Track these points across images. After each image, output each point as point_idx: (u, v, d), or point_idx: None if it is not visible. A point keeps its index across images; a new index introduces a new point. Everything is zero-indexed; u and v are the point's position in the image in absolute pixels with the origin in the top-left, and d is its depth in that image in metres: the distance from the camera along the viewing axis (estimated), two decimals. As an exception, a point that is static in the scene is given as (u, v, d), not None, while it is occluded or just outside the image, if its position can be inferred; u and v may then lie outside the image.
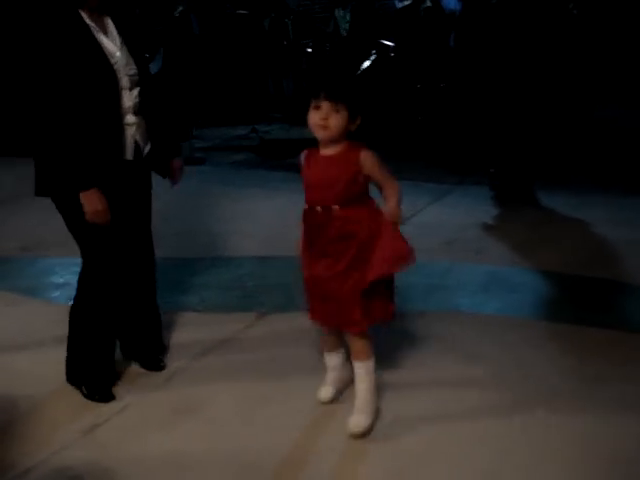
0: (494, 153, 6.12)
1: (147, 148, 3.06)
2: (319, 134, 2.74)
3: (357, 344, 2.85)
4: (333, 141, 2.75)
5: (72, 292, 4.02)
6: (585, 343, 3.48)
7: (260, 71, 9.92)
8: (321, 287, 2.85)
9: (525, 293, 4.11)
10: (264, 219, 5.49)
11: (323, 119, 2.70)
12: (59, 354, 3.21)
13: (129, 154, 2.99)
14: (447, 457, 2.67)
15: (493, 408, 2.94)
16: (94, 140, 2.84)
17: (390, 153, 7.77)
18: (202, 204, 5.81)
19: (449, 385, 3.12)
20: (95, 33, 2.86)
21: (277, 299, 4.03)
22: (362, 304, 2.78)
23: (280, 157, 7.91)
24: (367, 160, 2.76)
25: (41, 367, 3.10)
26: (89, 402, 3.04)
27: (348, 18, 9.06)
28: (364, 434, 2.77)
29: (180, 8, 8.59)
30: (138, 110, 2.98)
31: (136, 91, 2.96)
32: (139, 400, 3.06)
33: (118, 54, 2.90)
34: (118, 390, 3.11)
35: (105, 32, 2.91)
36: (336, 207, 2.76)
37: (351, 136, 2.79)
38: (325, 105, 2.69)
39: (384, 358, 3.32)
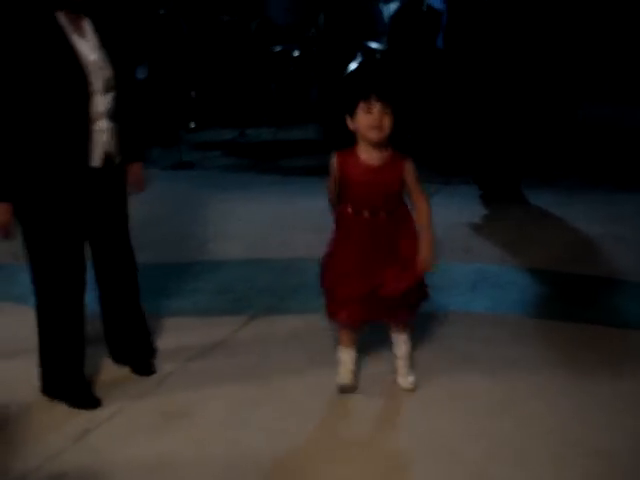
0: (481, 152, 6.14)
1: (120, 156, 2.97)
2: (374, 135, 2.78)
3: (400, 324, 3.09)
4: (381, 145, 2.81)
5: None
6: (574, 339, 3.50)
7: (248, 74, 9.92)
8: (373, 289, 2.90)
9: (514, 291, 4.13)
10: (253, 222, 5.49)
11: (379, 120, 2.74)
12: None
13: (96, 161, 2.88)
14: (438, 455, 2.68)
15: (483, 405, 2.96)
16: (53, 145, 2.76)
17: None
18: (191, 208, 5.81)
19: (440, 383, 3.13)
20: (69, 34, 2.77)
21: (267, 302, 4.03)
22: (410, 299, 2.98)
23: (269, 160, 7.92)
24: (410, 170, 2.88)
25: (32, 374, 3.09)
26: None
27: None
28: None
29: (163, 11, 8.56)
30: (111, 116, 2.88)
31: (110, 96, 2.87)
32: (130, 405, 3.05)
33: (93, 56, 2.81)
34: (109, 395, 3.10)
35: (81, 34, 2.82)
36: (383, 213, 2.86)
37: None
38: (377, 106, 2.74)
39: (375, 357, 3.35)
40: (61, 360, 3.05)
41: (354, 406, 3.02)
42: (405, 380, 3.11)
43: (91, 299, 3.19)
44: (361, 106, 2.76)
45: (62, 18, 2.78)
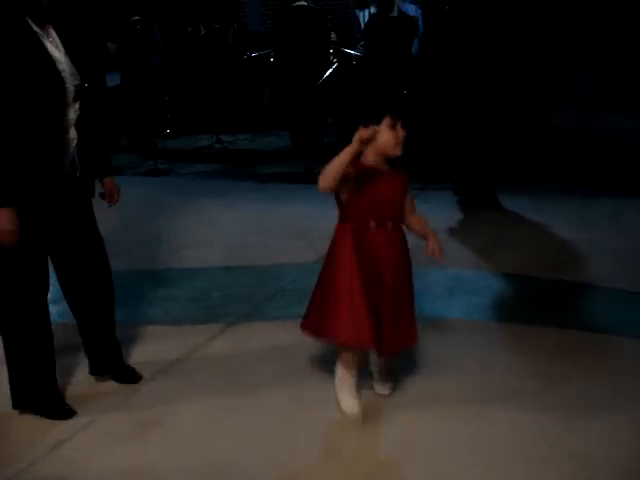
0: (456, 158, 6.17)
1: (80, 167, 2.91)
2: (396, 152, 2.77)
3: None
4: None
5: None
6: (549, 344, 3.52)
7: (224, 81, 9.91)
8: (385, 307, 2.83)
9: (489, 296, 4.15)
10: (228, 229, 5.48)
11: (402, 137, 2.75)
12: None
13: (67, 169, 2.86)
14: (415, 461, 2.68)
15: (460, 411, 2.97)
16: (35, 153, 2.72)
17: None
18: (166, 215, 5.78)
19: (415, 390, 3.14)
20: (42, 40, 2.74)
21: (242, 309, 4.02)
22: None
23: (245, 167, 7.91)
24: (407, 182, 2.91)
25: (4, 385, 3.05)
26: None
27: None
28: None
29: (135, 18, 8.52)
30: (77, 125, 2.85)
31: (78, 104, 2.83)
32: (104, 415, 3.02)
33: (64, 63, 2.78)
34: (83, 405, 3.07)
35: (51, 41, 2.79)
36: (390, 224, 2.84)
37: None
38: (400, 125, 2.75)
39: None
40: (30, 372, 3.00)
41: (332, 413, 3.00)
42: (382, 387, 3.10)
43: (66, 310, 3.16)
44: (386, 122, 2.72)
45: (33, 24, 2.74)
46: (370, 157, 2.79)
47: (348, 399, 2.96)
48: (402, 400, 3.06)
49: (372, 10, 8.69)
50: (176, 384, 3.25)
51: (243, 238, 5.26)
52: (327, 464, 2.70)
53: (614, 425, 2.85)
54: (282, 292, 4.25)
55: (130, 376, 3.28)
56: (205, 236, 5.29)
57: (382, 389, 3.10)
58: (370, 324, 2.75)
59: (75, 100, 2.82)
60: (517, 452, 2.71)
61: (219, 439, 2.85)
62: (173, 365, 3.43)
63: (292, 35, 7.92)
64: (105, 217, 3.16)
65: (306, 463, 2.70)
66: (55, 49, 2.79)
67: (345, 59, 8.60)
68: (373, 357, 3.08)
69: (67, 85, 2.77)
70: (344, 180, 2.73)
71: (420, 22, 8.43)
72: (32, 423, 2.99)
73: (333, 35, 8.70)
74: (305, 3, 7.99)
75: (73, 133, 2.85)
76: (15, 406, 3.03)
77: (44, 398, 3.03)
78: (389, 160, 2.81)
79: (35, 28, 2.74)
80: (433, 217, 5.47)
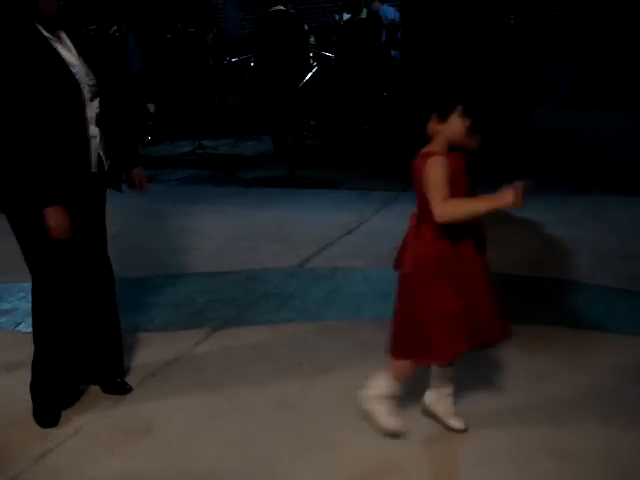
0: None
1: (109, 161, 3.02)
2: (469, 142, 2.68)
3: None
4: None
5: (19, 318, 4.01)
6: (533, 342, 3.54)
7: (205, 86, 9.91)
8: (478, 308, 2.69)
9: (473, 295, 4.16)
10: (212, 234, 5.47)
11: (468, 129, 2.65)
12: (7, 381, 3.15)
13: (94, 167, 2.96)
14: (397, 467, 2.69)
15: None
16: (60, 153, 2.81)
17: (334, 162, 7.92)
18: (149, 222, 5.77)
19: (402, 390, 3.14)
20: (54, 44, 2.84)
21: (227, 314, 4.01)
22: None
23: (227, 172, 7.90)
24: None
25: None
26: (41, 428, 2.98)
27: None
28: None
29: (115, 27, 8.51)
30: (98, 122, 2.95)
31: (97, 102, 2.93)
32: (91, 422, 3.01)
33: (77, 64, 2.88)
34: (69, 413, 3.06)
35: (62, 44, 2.89)
36: None
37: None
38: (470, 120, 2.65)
39: (333, 366, 3.35)
40: (48, 371, 3.02)
41: (319, 417, 3.00)
42: (456, 421, 2.87)
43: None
44: (458, 112, 2.62)
45: (43, 30, 2.84)
46: (442, 148, 2.65)
47: (388, 416, 2.78)
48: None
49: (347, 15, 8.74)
50: (162, 390, 3.24)
51: (227, 243, 5.25)
52: (314, 467, 2.69)
53: (600, 420, 2.87)
54: (266, 296, 4.25)
55: (119, 388, 3.25)
56: (189, 242, 5.28)
57: (457, 423, 2.86)
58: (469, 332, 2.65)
59: (93, 99, 2.92)
60: (503, 448, 2.72)
61: (205, 444, 2.84)
62: (159, 371, 3.41)
63: (271, 39, 7.93)
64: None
65: (292, 467, 2.69)
66: (67, 52, 2.89)
67: (325, 62, 8.63)
68: (441, 383, 2.89)
69: (82, 85, 2.87)
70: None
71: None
72: (19, 433, 2.96)
73: (312, 39, 8.73)
74: (283, 7, 8.01)
75: (94, 130, 2.94)
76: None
77: (42, 400, 3.03)
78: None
79: (46, 34, 2.85)
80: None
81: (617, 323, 3.74)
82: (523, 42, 7.12)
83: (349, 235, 5.34)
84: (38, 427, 2.99)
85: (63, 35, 2.91)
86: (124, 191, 3.17)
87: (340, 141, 8.62)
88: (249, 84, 9.57)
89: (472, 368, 3.28)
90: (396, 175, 6.91)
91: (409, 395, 2.93)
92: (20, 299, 4.23)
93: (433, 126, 2.68)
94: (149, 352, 3.59)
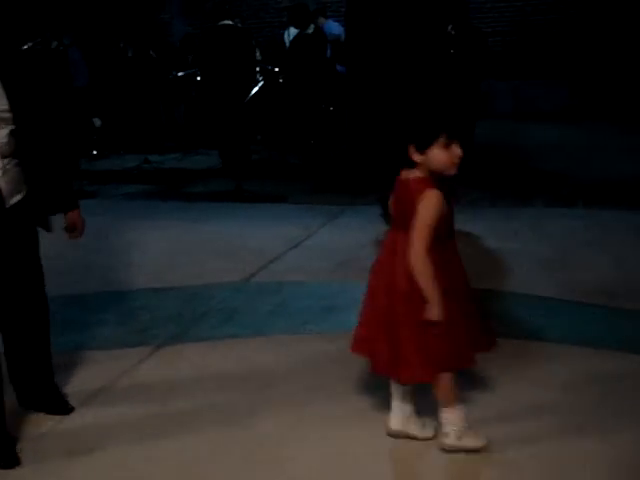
0: (383, 172, 6.25)
1: (17, 197, 2.80)
2: (453, 171, 2.65)
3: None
4: None
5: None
6: (475, 353, 3.58)
7: (151, 100, 9.85)
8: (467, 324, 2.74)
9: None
10: (156, 250, 5.43)
11: (459, 158, 2.63)
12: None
13: None
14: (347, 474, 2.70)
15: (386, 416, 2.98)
16: None
17: (281, 176, 7.94)
18: (92, 238, 5.60)
19: (350, 405, 3.15)
20: None
21: (172, 331, 3.98)
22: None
23: (173, 186, 7.86)
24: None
25: None
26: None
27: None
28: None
29: (56, 43, 8.42)
30: (8, 153, 2.72)
31: (6, 130, 2.71)
32: (32, 447, 2.94)
33: None
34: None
35: None
36: (448, 239, 2.73)
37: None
38: (455, 143, 2.62)
39: (280, 381, 3.35)
40: None
41: (266, 433, 2.99)
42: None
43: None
44: (441, 142, 2.60)
45: None
46: (429, 176, 2.66)
47: (475, 436, 2.78)
48: (337, 417, 3.07)
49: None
50: (105, 410, 3.19)
51: (171, 258, 5.22)
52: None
53: (540, 428, 2.92)
54: (211, 312, 4.23)
55: (61, 407, 3.17)
56: (132, 258, 5.23)
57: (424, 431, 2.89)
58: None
59: (0, 127, 2.70)
60: (444, 460, 2.75)
61: (148, 466, 2.81)
62: (102, 391, 3.37)
63: (217, 54, 7.94)
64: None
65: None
66: None
67: (271, 77, 8.66)
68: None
69: None
70: None
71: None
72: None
73: (258, 53, 8.76)
74: (231, 22, 8.02)
75: None
76: None
77: None
78: None
79: None
80: (361, 231, 5.62)
81: (556, 333, 3.81)
82: (465, 56, 7.25)
83: (295, 249, 5.35)
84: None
85: None
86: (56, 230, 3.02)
87: (286, 155, 8.65)
88: (195, 98, 9.55)
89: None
90: (342, 189, 6.98)
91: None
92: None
93: (412, 156, 2.65)
94: (92, 370, 3.54)
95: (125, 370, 3.55)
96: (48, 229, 3.00)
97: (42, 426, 3.09)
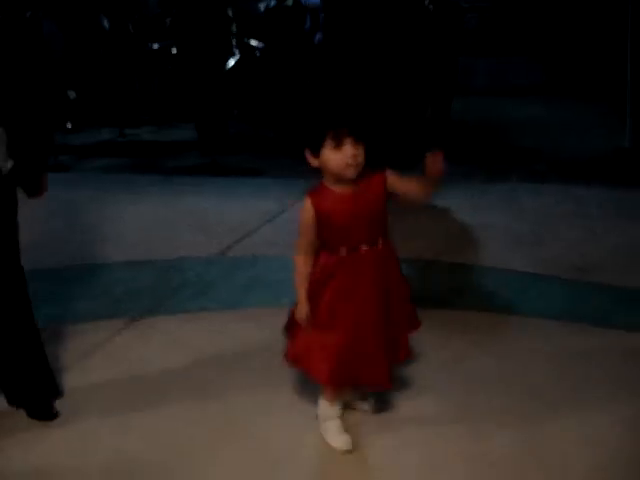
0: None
1: (9, 164, 2.78)
2: (349, 174, 2.48)
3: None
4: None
5: None
6: (448, 325, 3.62)
7: (126, 73, 9.74)
8: (367, 341, 2.61)
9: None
10: (133, 223, 5.41)
11: (353, 157, 2.46)
12: None
13: None
14: (316, 451, 2.73)
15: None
16: None
17: (258, 150, 7.91)
18: (67, 212, 5.65)
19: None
20: None
21: (146, 304, 3.98)
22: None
23: (149, 160, 7.81)
24: (391, 177, 2.59)
25: None
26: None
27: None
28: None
29: (29, 13, 8.29)
30: None
31: None
32: (4, 418, 2.93)
33: None
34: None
35: None
36: (380, 242, 2.60)
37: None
38: (349, 142, 2.46)
39: (255, 354, 3.37)
40: None
41: (238, 406, 3.01)
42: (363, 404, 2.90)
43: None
44: (329, 142, 2.46)
45: None
46: (330, 179, 2.54)
47: (337, 435, 2.70)
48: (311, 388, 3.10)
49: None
50: (78, 383, 3.19)
51: (146, 232, 5.20)
52: (233, 455, 2.70)
53: (512, 400, 2.96)
54: (186, 285, 4.24)
55: (43, 412, 2.97)
56: (107, 231, 5.20)
57: (364, 405, 2.90)
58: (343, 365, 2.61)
59: None
60: (416, 429, 2.78)
61: (124, 437, 2.82)
62: (76, 362, 3.36)
63: (193, 26, 7.86)
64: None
65: (211, 456, 2.70)
66: None
67: (248, 51, 8.59)
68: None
69: None
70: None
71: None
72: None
73: (234, 26, 8.67)
74: (208, -8, 7.93)
75: None
76: None
77: None
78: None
79: None
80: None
81: (528, 307, 3.86)
82: (442, 32, 7.24)
83: (270, 223, 5.35)
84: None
85: None
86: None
87: (263, 129, 8.61)
88: (171, 71, 9.45)
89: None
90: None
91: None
92: None
93: (310, 161, 2.55)
94: (66, 343, 3.53)
95: (99, 343, 3.55)
96: (32, 193, 2.92)
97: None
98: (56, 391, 3.06)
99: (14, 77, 2.88)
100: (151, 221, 5.46)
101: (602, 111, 8.60)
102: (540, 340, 3.48)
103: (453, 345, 3.43)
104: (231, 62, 8.14)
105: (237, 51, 8.23)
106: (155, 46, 9.59)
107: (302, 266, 2.64)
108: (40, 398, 2.98)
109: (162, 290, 4.17)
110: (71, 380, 3.22)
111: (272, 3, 8.84)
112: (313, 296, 2.61)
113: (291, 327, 2.76)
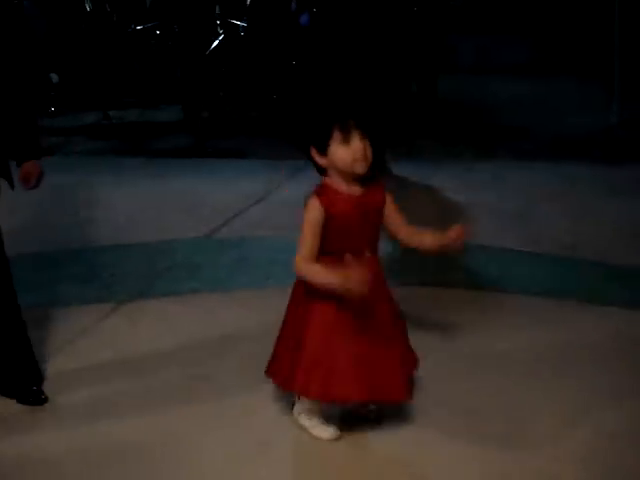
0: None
1: None
2: (360, 169, 2.37)
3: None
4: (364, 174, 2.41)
5: None
6: (436, 302, 3.64)
7: (110, 55, 9.64)
8: (371, 354, 2.47)
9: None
10: (120, 206, 5.36)
11: (362, 150, 2.35)
12: None
13: None
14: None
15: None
16: None
17: (244, 131, 7.87)
18: (51, 196, 5.56)
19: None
20: None
21: (133, 287, 3.96)
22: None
23: (134, 142, 7.74)
24: (389, 198, 2.53)
25: None
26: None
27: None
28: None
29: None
30: None
31: None
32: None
33: None
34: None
35: None
36: (368, 252, 2.50)
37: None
38: (357, 135, 2.36)
39: (243, 335, 3.35)
40: None
41: (227, 387, 3.00)
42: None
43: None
44: (337, 137, 2.35)
45: None
46: (338, 178, 2.43)
47: (321, 426, 2.61)
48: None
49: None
50: (67, 366, 3.17)
51: (132, 215, 5.16)
52: (223, 436, 2.70)
53: (498, 375, 2.98)
54: (173, 268, 4.22)
55: (32, 398, 2.94)
56: (93, 215, 5.15)
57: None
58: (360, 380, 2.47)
59: None
60: (405, 408, 2.78)
61: (112, 421, 2.80)
62: (63, 347, 3.34)
63: (174, 7, 7.79)
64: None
65: (201, 437, 2.69)
66: None
67: (232, 31, 8.51)
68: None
69: None
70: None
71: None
72: None
73: (217, 7, 8.59)
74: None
75: None
76: None
77: None
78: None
79: None
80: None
81: (517, 284, 3.87)
82: (427, 8, 7.19)
83: (257, 204, 5.32)
84: None
85: None
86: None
87: (249, 110, 8.55)
88: (155, 52, 9.36)
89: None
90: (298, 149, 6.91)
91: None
92: None
93: (317, 161, 2.43)
94: (53, 328, 3.51)
95: (86, 327, 3.53)
96: (11, 182, 2.90)
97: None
98: (40, 377, 3.02)
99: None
100: (137, 204, 5.42)
101: (590, 89, 8.58)
102: (525, 317, 3.50)
103: (440, 323, 3.42)
104: (214, 42, 8.08)
105: (221, 31, 8.15)
106: (138, 27, 9.49)
107: (309, 265, 2.45)
108: (26, 385, 2.95)
109: (149, 273, 4.15)
110: (60, 364, 3.20)
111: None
112: (319, 309, 2.47)
113: (278, 359, 2.63)
